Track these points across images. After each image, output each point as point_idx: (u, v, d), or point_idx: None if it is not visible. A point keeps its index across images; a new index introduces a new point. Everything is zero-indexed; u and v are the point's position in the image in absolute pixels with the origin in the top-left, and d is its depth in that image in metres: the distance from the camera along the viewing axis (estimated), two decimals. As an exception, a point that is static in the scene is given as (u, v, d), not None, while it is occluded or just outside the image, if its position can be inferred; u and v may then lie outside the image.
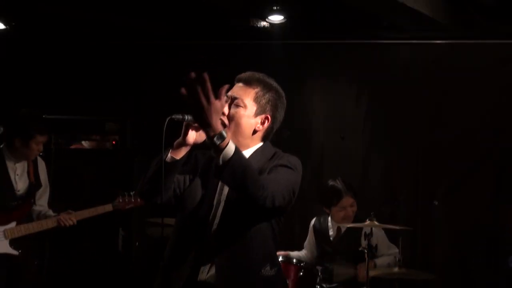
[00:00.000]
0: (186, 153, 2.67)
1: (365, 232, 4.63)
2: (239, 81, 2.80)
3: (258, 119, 2.75)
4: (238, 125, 2.72)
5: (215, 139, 2.40)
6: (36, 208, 4.66)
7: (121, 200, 4.75)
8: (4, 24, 5.95)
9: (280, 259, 4.56)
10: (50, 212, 4.67)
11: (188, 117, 2.56)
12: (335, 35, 6.02)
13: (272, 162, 2.71)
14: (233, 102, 2.74)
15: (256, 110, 2.74)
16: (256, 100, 2.75)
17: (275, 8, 5.34)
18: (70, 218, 4.55)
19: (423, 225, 5.81)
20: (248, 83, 2.78)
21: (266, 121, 2.76)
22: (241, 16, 5.73)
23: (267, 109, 2.76)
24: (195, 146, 2.70)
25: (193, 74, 2.36)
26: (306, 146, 6.19)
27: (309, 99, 6.25)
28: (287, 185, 2.63)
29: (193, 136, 2.64)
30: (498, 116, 5.74)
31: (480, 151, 5.77)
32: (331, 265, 4.85)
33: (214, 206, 2.73)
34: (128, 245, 5.72)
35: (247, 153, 2.74)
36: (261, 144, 2.80)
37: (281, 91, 2.83)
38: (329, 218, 5.08)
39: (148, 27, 6.15)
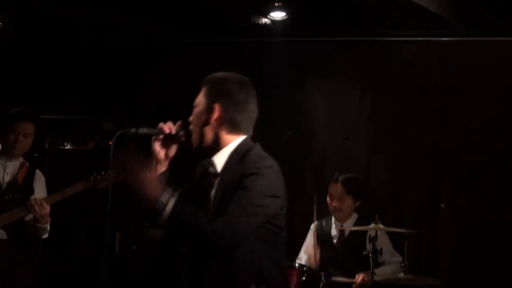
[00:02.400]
0: (167, 168, 2.77)
1: (369, 236, 4.61)
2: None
3: (209, 110, 2.77)
4: (194, 125, 2.78)
5: (156, 207, 2.52)
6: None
7: (92, 178, 4.45)
8: (-2, 22, 5.95)
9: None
10: (48, 226, 4.54)
11: (141, 131, 2.70)
12: (338, 32, 6.03)
13: (238, 174, 2.67)
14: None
15: (206, 104, 2.78)
16: (205, 95, 2.80)
17: (277, 4, 5.32)
18: (41, 202, 4.32)
19: (429, 229, 5.80)
20: (202, 85, 2.84)
21: (216, 108, 2.76)
22: (242, 13, 5.71)
23: (217, 98, 2.77)
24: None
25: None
26: (308, 146, 6.18)
27: (311, 98, 6.24)
28: (248, 216, 2.60)
29: (160, 150, 2.75)
30: (505, 116, 5.73)
31: (487, 151, 5.76)
32: (334, 270, 4.83)
33: None
34: (126, 248, 5.70)
35: (222, 156, 2.77)
36: (236, 141, 2.79)
37: (237, 79, 2.85)
38: (332, 220, 5.07)
39: (147, 25, 6.14)
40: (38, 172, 4.67)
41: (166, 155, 2.76)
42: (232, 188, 2.65)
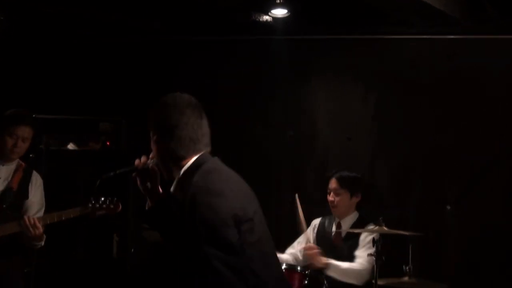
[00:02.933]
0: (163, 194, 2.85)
1: (373, 238, 4.61)
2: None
3: (153, 145, 2.81)
4: (157, 157, 2.81)
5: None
6: None
7: (90, 205, 4.40)
8: (-7, 20, 5.94)
9: (284, 266, 4.54)
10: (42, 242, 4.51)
11: (118, 171, 2.85)
12: (341, 30, 5.97)
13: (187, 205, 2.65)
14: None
15: (151, 139, 2.81)
16: (151, 126, 2.82)
17: (278, 1, 5.31)
18: (34, 221, 4.26)
19: (434, 231, 5.74)
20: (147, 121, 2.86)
21: (155, 143, 2.79)
22: (243, 10, 5.70)
23: (154, 132, 2.80)
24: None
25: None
26: (310, 147, 6.15)
27: (313, 97, 6.19)
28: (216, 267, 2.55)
29: (142, 184, 2.84)
30: (513, 115, 5.71)
31: (494, 151, 5.69)
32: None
33: None
34: (123, 251, 5.68)
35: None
36: (186, 165, 2.77)
37: (166, 103, 2.83)
38: (334, 218, 5.09)
39: (145, 24, 6.12)
40: (35, 173, 4.62)
41: (150, 188, 2.82)
42: (188, 224, 2.63)
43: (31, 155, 5.07)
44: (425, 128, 5.88)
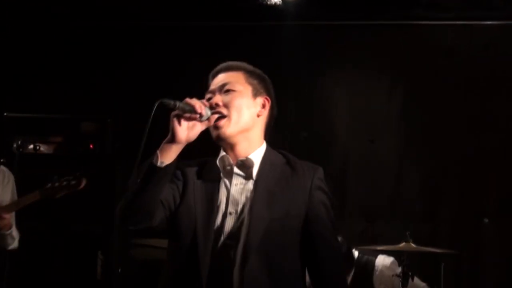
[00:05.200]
0: (177, 156, 2.62)
1: (400, 258, 4.54)
2: (217, 73, 2.84)
3: (258, 101, 2.81)
4: (239, 112, 2.74)
5: None
6: None
7: (50, 185, 4.47)
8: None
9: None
10: (14, 232, 4.61)
11: (179, 105, 2.55)
12: (363, 15, 5.99)
13: (303, 185, 2.76)
14: (222, 90, 2.76)
15: (252, 91, 2.79)
16: (248, 81, 2.81)
17: (289, -18, 5.32)
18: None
19: (470, 248, 5.71)
20: (229, 69, 2.83)
21: (267, 102, 2.82)
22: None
23: (261, 90, 2.83)
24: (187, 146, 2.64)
25: None
26: (327, 150, 6.11)
27: (330, 92, 6.17)
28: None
29: (184, 131, 2.59)
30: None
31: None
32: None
33: (226, 226, 2.66)
34: (109, 272, 5.62)
35: (257, 156, 2.79)
36: (264, 143, 2.85)
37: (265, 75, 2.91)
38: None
39: (138, 6, 6.04)
40: (3, 168, 4.72)
41: (188, 138, 2.62)
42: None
43: (2, 160, 5.05)
44: (460, 129, 5.88)
